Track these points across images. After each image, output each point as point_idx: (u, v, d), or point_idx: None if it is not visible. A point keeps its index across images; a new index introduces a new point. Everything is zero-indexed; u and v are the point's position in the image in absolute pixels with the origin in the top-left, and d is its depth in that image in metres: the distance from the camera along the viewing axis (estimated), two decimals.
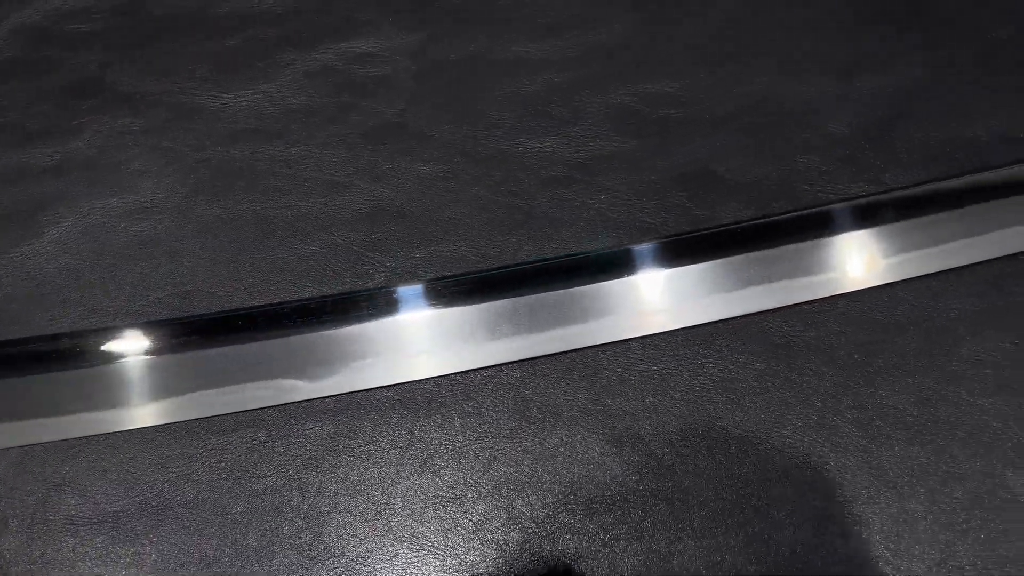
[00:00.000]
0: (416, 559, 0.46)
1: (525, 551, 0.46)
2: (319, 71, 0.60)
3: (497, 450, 0.48)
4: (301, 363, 0.49)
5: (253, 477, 0.47)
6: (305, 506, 0.47)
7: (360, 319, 0.50)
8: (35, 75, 0.61)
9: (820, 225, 0.52)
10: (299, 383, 0.49)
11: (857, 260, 0.52)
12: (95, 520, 0.47)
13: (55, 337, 0.50)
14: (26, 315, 0.52)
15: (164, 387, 0.49)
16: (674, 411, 0.49)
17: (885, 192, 0.54)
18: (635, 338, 0.50)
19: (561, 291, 0.50)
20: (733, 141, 0.57)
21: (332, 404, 0.49)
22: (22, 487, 0.47)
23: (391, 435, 0.48)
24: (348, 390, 0.49)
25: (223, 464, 0.48)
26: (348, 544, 0.46)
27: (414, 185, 0.55)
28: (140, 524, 0.46)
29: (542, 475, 0.47)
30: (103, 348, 0.49)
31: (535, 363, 0.50)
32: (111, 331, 0.50)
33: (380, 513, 0.47)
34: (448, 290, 0.50)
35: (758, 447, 0.48)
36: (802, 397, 0.49)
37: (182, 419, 0.48)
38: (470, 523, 0.46)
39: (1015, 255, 0.52)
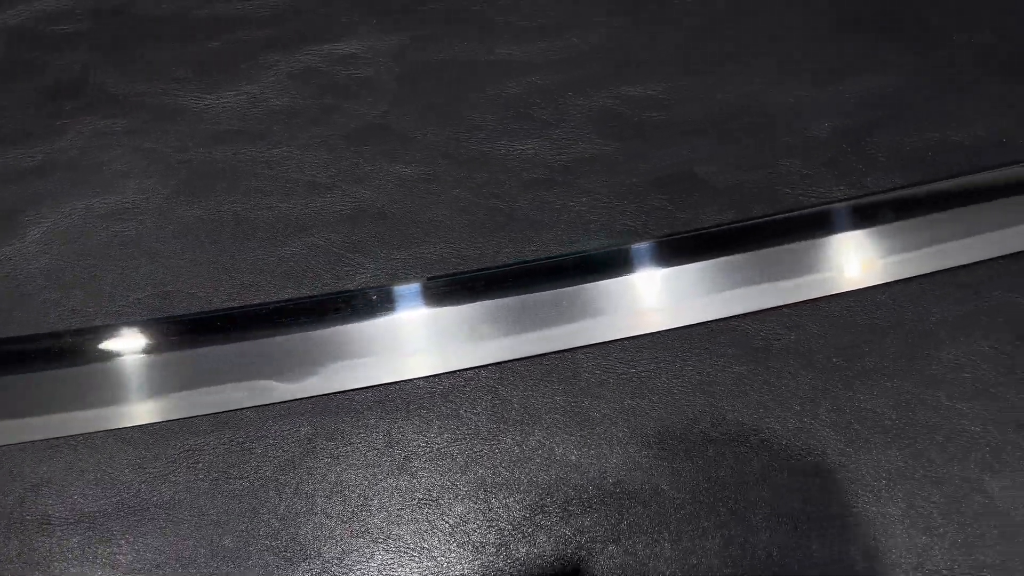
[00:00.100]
0: (393, 561, 0.46)
1: (502, 553, 0.46)
2: (302, 73, 0.60)
3: (475, 452, 0.48)
4: (279, 364, 0.49)
5: (230, 478, 0.47)
6: (282, 507, 0.47)
7: (339, 321, 0.49)
8: (18, 76, 0.61)
9: (801, 228, 0.52)
10: (277, 384, 0.49)
11: (837, 263, 0.52)
12: (72, 520, 0.46)
13: (34, 337, 0.50)
14: (6, 315, 0.52)
15: (142, 388, 0.48)
16: (652, 414, 0.49)
17: (866, 196, 0.54)
18: (614, 341, 0.50)
19: (541, 293, 0.50)
20: (714, 144, 0.57)
21: (310, 406, 0.49)
22: None
23: (369, 437, 0.48)
24: (326, 392, 0.49)
25: (200, 465, 0.48)
26: (325, 545, 0.46)
27: (395, 187, 0.55)
28: (117, 524, 0.46)
29: (519, 477, 0.47)
30: (82, 348, 0.49)
31: (514, 365, 0.50)
32: (90, 332, 0.50)
33: (357, 515, 0.47)
34: (427, 292, 0.50)
35: (736, 450, 0.48)
36: (780, 400, 0.49)
37: (160, 420, 0.48)
38: (447, 525, 0.46)
39: (995, 259, 0.52)
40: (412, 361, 0.49)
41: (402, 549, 0.46)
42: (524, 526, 0.46)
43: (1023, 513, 0.46)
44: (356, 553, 0.46)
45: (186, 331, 0.49)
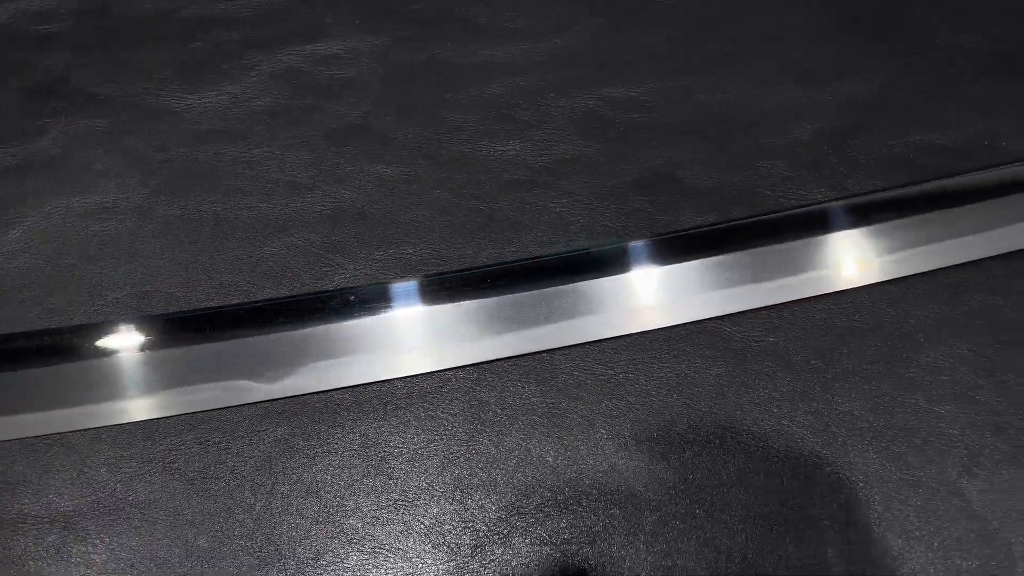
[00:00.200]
0: (368, 561, 0.46)
1: (477, 554, 0.46)
2: (284, 73, 0.60)
3: (451, 453, 0.48)
4: (256, 364, 0.49)
5: (206, 478, 0.47)
6: (257, 507, 0.47)
7: (316, 321, 0.49)
8: (0, 75, 0.61)
9: (780, 231, 0.52)
10: (254, 384, 0.49)
11: (816, 265, 0.52)
12: (47, 519, 0.46)
13: (9, 336, 0.50)
14: None
15: (119, 387, 0.48)
16: (629, 415, 0.49)
17: (846, 198, 0.54)
18: (592, 342, 0.50)
19: (520, 294, 0.50)
20: (696, 146, 0.57)
21: (287, 406, 0.49)
22: None
23: (345, 437, 0.48)
24: (303, 392, 0.49)
25: (176, 465, 0.48)
26: (300, 546, 0.46)
27: (376, 187, 0.55)
28: (92, 524, 0.46)
29: (496, 478, 0.47)
30: (59, 347, 0.49)
31: (492, 366, 0.50)
32: (68, 331, 0.50)
33: (333, 515, 0.46)
34: (405, 293, 0.50)
35: (712, 452, 0.48)
36: (758, 402, 0.49)
37: (137, 419, 0.48)
38: (422, 526, 0.46)
39: (976, 262, 0.52)
40: (390, 361, 0.49)
41: (377, 550, 0.46)
42: (500, 527, 0.46)
43: (1000, 517, 0.46)
44: (331, 554, 0.46)
45: (164, 331, 0.49)
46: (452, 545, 0.46)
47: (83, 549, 0.46)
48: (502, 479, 0.47)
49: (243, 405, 0.49)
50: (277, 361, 0.49)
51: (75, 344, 0.49)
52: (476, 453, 0.48)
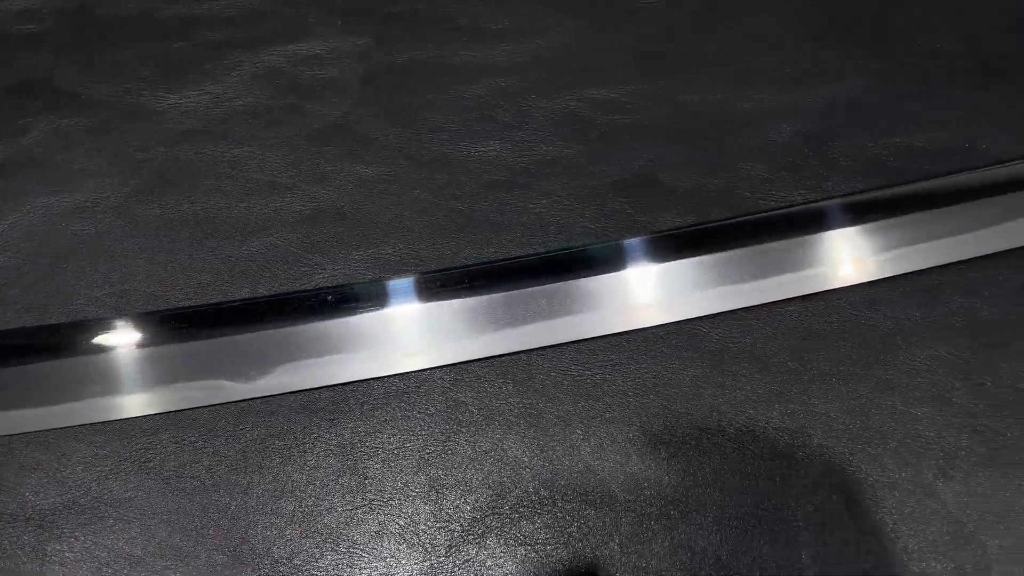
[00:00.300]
0: (342, 561, 0.46)
1: (451, 554, 0.46)
2: (266, 73, 0.60)
3: (427, 453, 0.48)
4: (233, 364, 0.49)
5: (181, 477, 0.47)
6: (232, 507, 0.47)
7: (294, 321, 0.49)
8: None
9: (757, 233, 0.52)
10: (231, 384, 0.49)
11: (794, 267, 0.51)
12: (23, 517, 0.46)
13: None
14: None
15: (96, 385, 0.48)
16: (605, 416, 0.49)
17: (824, 199, 0.54)
18: (569, 343, 0.50)
19: (497, 295, 0.50)
20: (676, 148, 0.57)
21: (264, 406, 0.49)
22: None
23: (322, 437, 0.48)
24: (280, 391, 0.49)
25: (152, 464, 0.48)
26: (274, 545, 0.46)
27: (356, 187, 0.55)
28: (68, 522, 0.46)
29: (471, 478, 0.47)
30: (36, 346, 0.49)
31: (469, 366, 0.50)
32: (45, 329, 0.50)
33: (308, 515, 0.46)
34: (383, 293, 0.50)
35: (688, 453, 0.48)
36: (734, 404, 0.49)
37: (113, 418, 0.48)
38: (397, 526, 0.46)
39: (952, 264, 0.52)
40: (367, 361, 0.49)
41: (352, 549, 0.46)
42: (475, 528, 0.46)
43: (976, 520, 0.46)
44: (305, 553, 0.46)
45: (141, 330, 0.49)
46: (427, 545, 0.46)
47: (58, 547, 0.46)
48: (477, 480, 0.47)
49: (220, 404, 0.49)
50: (254, 361, 0.49)
51: (52, 342, 0.49)
52: (452, 453, 0.48)
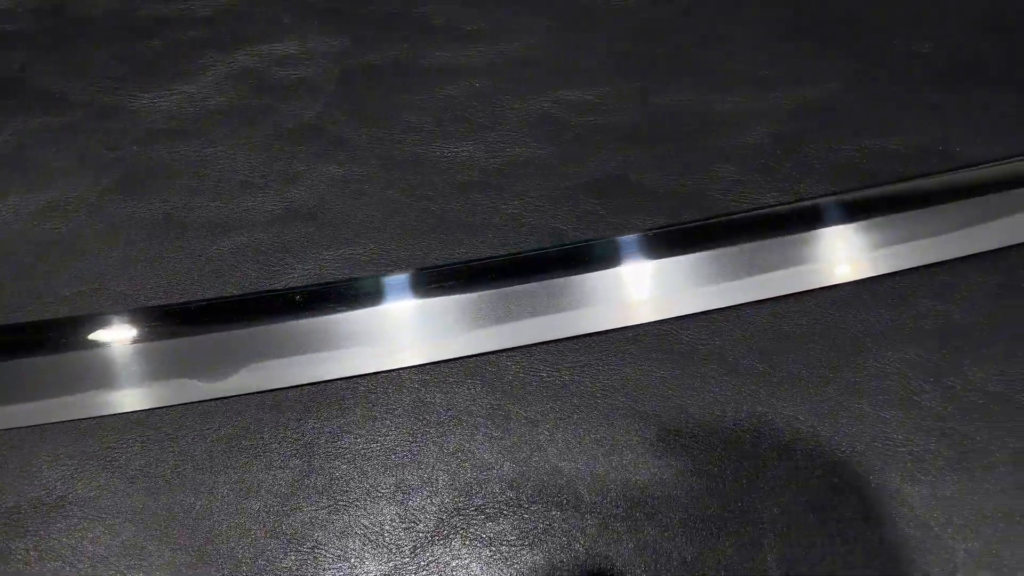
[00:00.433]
0: (307, 561, 0.45)
1: (416, 555, 0.46)
2: (240, 73, 0.60)
3: (394, 453, 0.48)
4: (201, 363, 0.49)
5: (147, 476, 0.47)
6: (198, 506, 0.46)
7: (262, 320, 0.49)
8: None
9: (728, 235, 0.52)
10: (198, 383, 0.48)
11: (765, 269, 0.51)
12: None
13: None
14: None
15: (62, 384, 0.48)
16: (573, 417, 0.49)
17: (797, 202, 0.54)
18: (540, 343, 0.50)
19: (468, 295, 0.50)
20: (649, 149, 0.57)
21: (231, 405, 0.49)
22: None
23: (289, 437, 0.48)
24: (248, 391, 0.49)
25: (118, 463, 0.48)
26: (239, 545, 0.46)
27: (328, 187, 0.55)
28: (32, 521, 0.46)
29: (438, 479, 0.47)
30: (3, 345, 0.49)
31: (438, 367, 0.50)
32: (12, 328, 0.50)
33: (273, 515, 0.46)
34: (352, 293, 0.50)
35: (654, 455, 0.47)
36: (702, 405, 0.49)
37: (79, 416, 0.48)
38: (363, 526, 0.46)
39: (924, 267, 0.52)
40: (335, 362, 0.49)
41: (316, 550, 0.46)
42: (440, 528, 0.46)
43: (943, 524, 0.46)
44: (270, 554, 0.46)
45: (109, 329, 0.49)
46: (392, 546, 0.46)
47: (23, 546, 0.46)
48: (444, 480, 0.47)
49: (186, 404, 0.49)
50: (221, 360, 0.49)
51: (17, 341, 0.49)
52: (418, 454, 0.48)
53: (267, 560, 0.45)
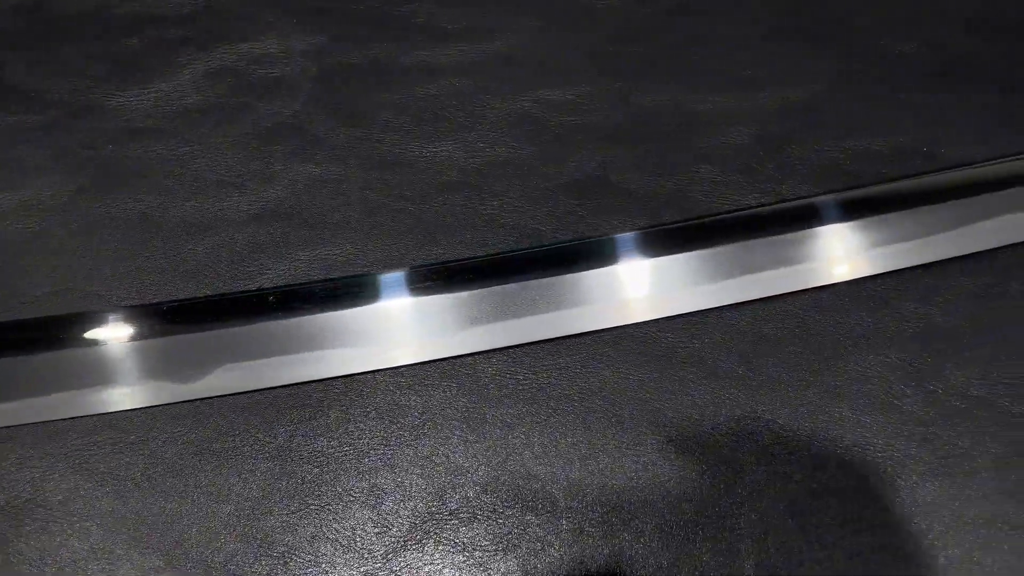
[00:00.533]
0: (278, 566, 0.45)
1: (389, 559, 0.45)
2: (218, 71, 0.59)
3: (368, 457, 0.47)
4: (173, 365, 0.48)
5: (117, 479, 0.47)
6: (168, 510, 0.46)
7: (234, 322, 0.49)
8: None
9: (705, 236, 0.51)
10: (170, 385, 0.48)
11: (745, 271, 0.51)
12: None
13: None
14: None
15: (31, 385, 0.48)
16: (550, 420, 0.48)
17: (777, 203, 0.53)
18: (517, 346, 0.50)
19: (443, 296, 0.50)
20: (630, 150, 0.56)
21: (202, 408, 0.48)
22: None
23: (260, 440, 0.48)
24: (219, 393, 0.48)
25: (88, 465, 0.47)
26: (209, 549, 0.45)
27: (305, 187, 0.55)
28: (0, 524, 0.45)
29: (411, 483, 0.47)
30: None
31: (413, 369, 0.49)
32: None
33: (244, 519, 0.46)
34: (325, 294, 0.49)
35: (632, 458, 0.47)
36: (680, 409, 0.48)
37: (49, 418, 0.48)
38: (335, 531, 0.46)
39: (905, 270, 0.51)
40: (307, 364, 0.49)
41: (287, 555, 0.45)
42: (413, 533, 0.46)
43: (923, 529, 0.45)
44: (240, 558, 0.45)
45: (80, 330, 0.49)
46: (364, 550, 0.45)
47: None
48: (418, 485, 0.47)
49: (157, 406, 0.48)
50: (193, 362, 0.48)
51: None
52: (392, 458, 0.47)
53: (237, 565, 0.45)
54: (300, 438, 0.48)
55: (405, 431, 0.48)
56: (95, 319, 0.49)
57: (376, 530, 0.46)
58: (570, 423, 0.48)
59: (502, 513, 0.46)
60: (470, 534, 0.46)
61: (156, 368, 0.48)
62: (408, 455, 0.47)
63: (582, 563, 0.45)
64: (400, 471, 0.47)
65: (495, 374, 0.49)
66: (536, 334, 0.50)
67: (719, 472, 0.46)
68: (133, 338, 0.48)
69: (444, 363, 0.49)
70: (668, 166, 0.55)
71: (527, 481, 0.47)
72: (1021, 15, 0.62)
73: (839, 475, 0.46)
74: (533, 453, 0.47)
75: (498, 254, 0.52)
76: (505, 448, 0.47)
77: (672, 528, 0.45)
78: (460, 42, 0.61)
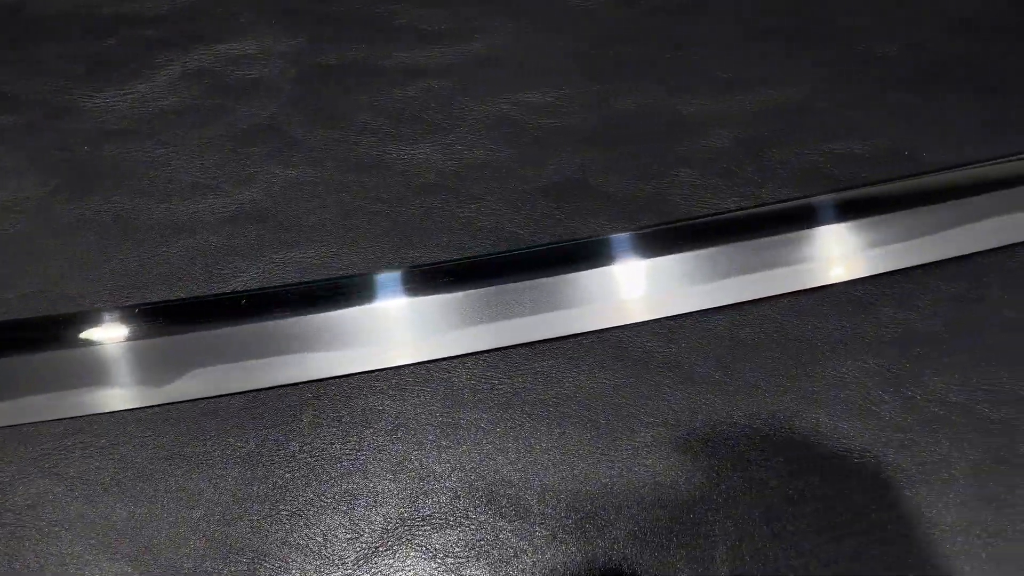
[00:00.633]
0: (248, 572, 0.44)
1: (362, 565, 0.44)
2: (196, 72, 0.59)
3: (341, 462, 0.47)
4: (144, 368, 0.48)
5: (87, 484, 0.46)
6: (138, 514, 0.45)
7: (207, 325, 0.48)
8: None
9: (686, 239, 0.51)
10: (140, 389, 0.47)
11: (723, 275, 0.50)
12: None
13: None
14: None
15: (1, 390, 0.47)
16: (524, 426, 0.48)
17: (756, 207, 0.53)
18: (492, 351, 0.49)
19: (415, 299, 0.49)
20: (610, 153, 0.56)
21: (173, 412, 0.48)
22: None
23: (233, 444, 0.47)
24: (191, 397, 0.48)
25: (57, 469, 0.46)
26: (179, 556, 0.45)
27: (280, 189, 0.54)
28: None
29: (384, 489, 0.46)
30: None
31: (387, 373, 0.49)
32: None
33: (214, 524, 0.45)
34: (301, 297, 0.49)
35: (607, 464, 0.46)
36: (655, 415, 0.48)
37: (17, 423, 0.47)
38: (308, 536, 0.45)
39: (881, 275, 0.51)
40: (280, 368, 0.48)
41: (258, 560, 0.45)
42: (385, 539, 0.45)
43: (901, 536, 0.45)
44: (209, 564, 0.44)
45: (50, 333, 0.48)
46: (335, 556, 0.45)
47: None
48: (390, 490, 0.46)
49: (128, 410, 0.47)
50: (164, 366, 0.48)
51: None
52: (365, 463, 0.47)
53: (207, 571, 0.44)
54: (272, 443, 0.47)
55: (379, 436, 0.48)
56: (67, 322, 0.49)
57: (348, 536, 0.45)
58: (545, 429, 0.47)
59: (475, 519, 0.46)
60: (443, 540, 0.45)
61: (127, 371, 0.48)
62: (381, 460, 0.47)
63: (555, 570, 0.44)
64: (373, 476, 0.47)
65: (470, 379, 0.49)
66: (511, 339, 0.49)
67: (694, 478, 0.46)
68: (105, 341, 0.48)
69: (419, 367, 0.49)
70: (647, 169, 0.55)
71: (501, 487, 0.46)
72: (1002, 18, 0.61)
73: (816, 482, 0.46)
74: (507, 459, 0.47)
75: (474, 258, 0.51)
76: (479, 453, 0.47)
77: (647, 535, 0.45)
78: (439, 44, 0.60)
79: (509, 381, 0.49)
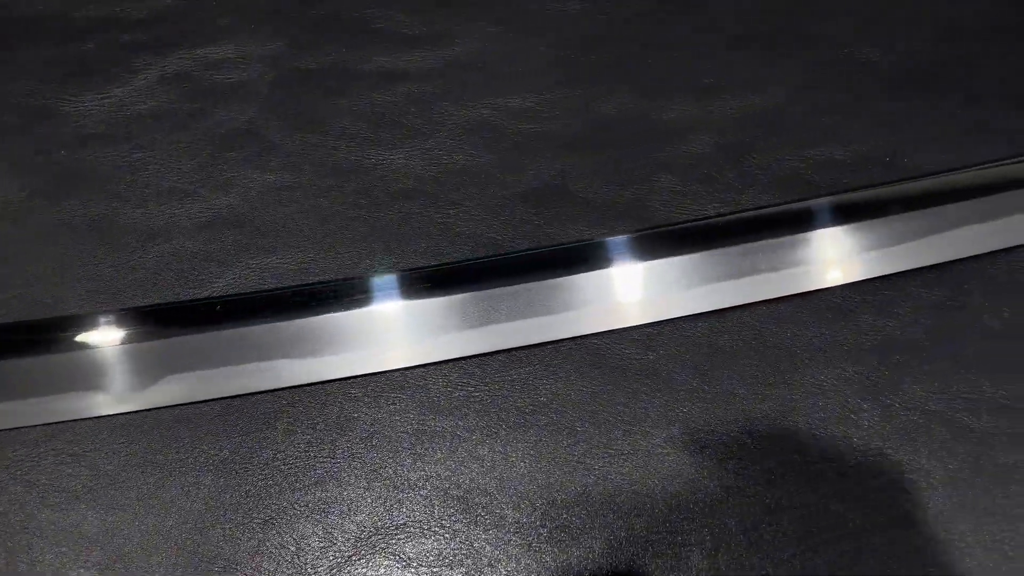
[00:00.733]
0: None
1: (335, 574, 0.44)
2: (174, 77, 0.59)
3: (316, 470, 0.46)
4: (116, 375, 0.47)
5: (58, 491, 0.46)
6: (109, 523, 0.45)
7: (180, 331, 0.48)
8: None
9: (664, 246, 0.50)
10: (113, 396, 0.47)
11: (701, 282, 0.50)
12: None
13: None
14: None
15: None
16: (500, 433, 0.47)
17: (734, 213, 0.52)
18: (468, 357, 0.49)
19: (391, 305, 0.49)
20: (589, 158, 0.55)
21: (146, 419, 0.47)
22: None
23: (207, 452, 0.47)
24: (165, 404, 0.47)
25: (29, 476, 0.46)
26: (152, 564, 0.44)
27: (258, 195, 0.54)
28: None
29: (359, 497, 0.46)
30: None
31: (363, 380, 0.49)
32: None
33: (187, 533, 0.45)
34: (276, 302, 0.49)
35: (583, 472, 0.46)
36: (632, 422, 0.47)
37: None
38: (281, 545, 0.45)
39: (861, 282, 0.51)
40: (257, 375, 0.48)
41: (230, 569, 0.44)
42: (359, 548, 0.45)
43: (879, 546, 0.44)
44: (181, 573, 0.44)
45: (22, 338, 0.48)
46: (308, 566, 0.44)
47: None
48: (364, 498, 0.46)
49: (100, 417, 0.47)
50: (137, 372, 0.47)
51: None
52: (339, 471, 0.46)
53: None
54: (246, 450, 0.47)
55: (353, 443, 0.47)
56: (40, 327, 0.48)
57: (321, 544, 0.45)
58: (521, 436, 0.47)
59: (450, 528, 0.45)
60: (417, 549, 0.45)
61: (100, 378, 0.47)
62: (356, 468, 0.47)
63: None
64: (347, 484, 0.46)
65: (446, 386, 0.49)
66: (488, 345, 0.49)
67: (671, 486, 0.46)
68: (78, 347, 0.48)
69: (394, 374, 0.49)
70: (627, 175, 0.55)
71: (476, 495, 0.46)
72: (985, 23, 0.61)
73: (793, 491, 0.46)
74: (483, 467, 0.46)
75: (451, 264, 0.51)
76: (454, 461, 0.47)
77: (622, 544, 0.45)
78: (419, 48, 0.60)
79: (485, 388, 0.48)
